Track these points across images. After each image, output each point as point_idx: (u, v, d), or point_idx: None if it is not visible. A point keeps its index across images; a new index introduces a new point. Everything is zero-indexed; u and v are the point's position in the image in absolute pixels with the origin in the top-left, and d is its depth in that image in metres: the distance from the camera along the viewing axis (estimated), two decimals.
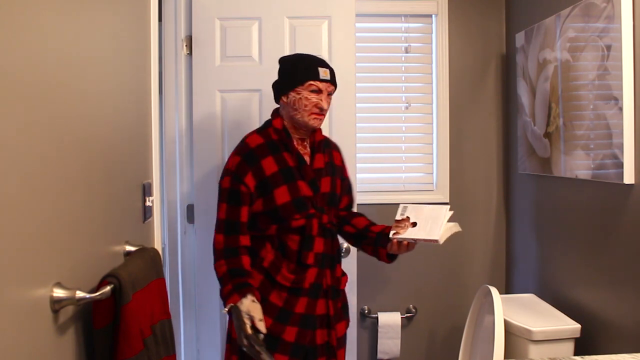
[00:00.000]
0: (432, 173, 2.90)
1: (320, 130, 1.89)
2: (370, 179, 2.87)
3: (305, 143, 1.86)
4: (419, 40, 2.87)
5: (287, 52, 2.39)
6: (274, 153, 1.77)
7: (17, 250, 0.78)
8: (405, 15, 2.86)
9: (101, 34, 1.19)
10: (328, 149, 1.92)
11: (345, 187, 1.95)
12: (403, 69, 2.87)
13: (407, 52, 2.86)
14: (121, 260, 1.34)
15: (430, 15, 2.86)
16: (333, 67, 2.35)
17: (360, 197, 2.80)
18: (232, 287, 1.65)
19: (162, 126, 2.44)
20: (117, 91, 1.32)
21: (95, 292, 1.01)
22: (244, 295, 1.62)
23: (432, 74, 2.88)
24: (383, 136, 2.87)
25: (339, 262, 1.91)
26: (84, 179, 1.07)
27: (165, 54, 2.44)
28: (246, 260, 1.73)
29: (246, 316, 1.60)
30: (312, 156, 1.83)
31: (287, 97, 1.77)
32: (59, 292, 0.92)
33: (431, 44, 2.87)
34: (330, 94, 1.81)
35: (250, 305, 1.61)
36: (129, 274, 1.14)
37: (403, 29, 2.87)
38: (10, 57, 0.76)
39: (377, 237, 1.85)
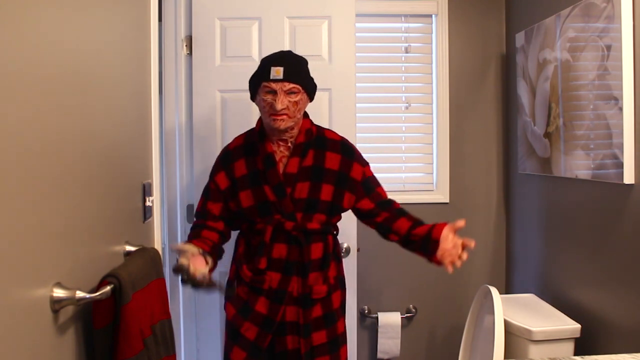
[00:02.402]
0: (432, 173, 2.90)
1: (307, 130, 1.80)
2: None
3: (289, 144, 1.79)
4: (419, 40, 2.87)
5: None
6: (247, 155, 1.81)
7: (17, 250, 0.78)
8: (405, 15, 2.86)
9: (101, 34, 1.19)
10: (321, 150, 1.80)
11: (357, 190, 1.82)
12: (403, 69, 2.87)
13: (407, 52, 2.86)
14: (121, 260, 1.34)
15: (430, 15, 2.86)
16: (333, 67, 2.35)
17: None
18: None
19: (162, 126, 2.44)
20: (117, 91, 1.32)
21: (95, 292, 1.01)
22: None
23: (432, 74, 2.87)
24: (383, 136, 2.87)
25: (319, 271, 1.79)
26: (84, 179, 1.07)
27: (165, 54, 2.44)
28: (206, 232, 1.79)
29: (181, 253, 1.59)
30: (288, 160, 1.77)
31: (256, 101, 1.79)
32: (59, 292, 0.92)
33: (431, 44, 2.87)
34: (292, 93, 1.71)
35: (184, 244, 1.63)
36: (129, 274, 1.14)
37: (403, 29, 2.87)
38: (10, 57, 0.76)
39: (422, 243, 1.74)
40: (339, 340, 1.84)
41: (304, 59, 1.80)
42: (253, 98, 1.80)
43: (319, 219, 1.79)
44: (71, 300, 0.93)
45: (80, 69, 1.05)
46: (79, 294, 0.95)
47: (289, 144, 1.79)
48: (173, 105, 2.47)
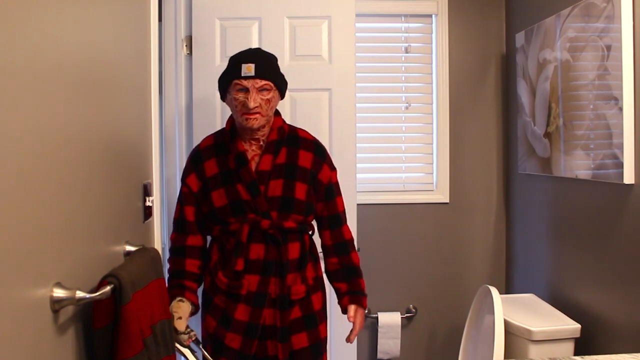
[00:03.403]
0: (432, 173, 2.90)
1: (279, 128, 1.77)
2: (370, 179, 2.87)
3: (261, 143, 1.75)
4: (419, 40, 2.88)
5: (287, 52, 2.39)
6: (218, 155, 1.77)
7: (17, 250, 0.78)
8: (405, 15, 2.86)
9: (101, 34, 1.19)
10: (294, 148, 1.77)
11: (319, 192, 1.79)
12: (403, 69, 2.87)
13: (407, 52, 2.87)
14: (121, 260, 1.34)
15: (430, 15, 2.86)
16: (333, 67, 2.35)
17: (360, 197, 2.80)
18: (168, 288, 1.73)
19: (162, 126, 2.44)
20: (117, 91, 1.32)
21: (95, 292, 1.01)
22: (174, 297, 1.71)
23: (432, 74, 2.88)
24: (383, 136, 2.87)
25: (297, 271, 1.75)
26: (84, 178, 1.07)
27: (165, 54, 2.44)
28: (189, 262, 1.77)
29: (174, 314, 1.66)
30: (260, 157, 1.74)
31: (226, 100, 1.75)
32: (59, 292, 0.91)
33: (431, 44, 2.87)
34: (264, 90, 1.67)
35: (174, 305, 1.68)
36: (129, 274, 1.14)
37: (403, 29, 2.87)
38: (10, 57, 0.76)
39: (340, 298, 1.83)
40: (322, 346, 1.78)
41: (274, 55, 1.76)
42: (223, 98, 1.77)
43: (296, 218, 1.74)
44: (71, 300, 0.93)
45: (79, 69, 1.05)
46: (79, 294, 0.94)
47: (261, 143, 1.75)
48: (173, 105, 2.47)
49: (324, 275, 1.90)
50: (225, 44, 2.39)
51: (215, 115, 2.41)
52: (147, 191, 1.63)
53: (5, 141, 0.74)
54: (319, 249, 2.15)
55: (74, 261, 1.02)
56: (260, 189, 1.70)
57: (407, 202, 2.84)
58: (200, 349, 1.71)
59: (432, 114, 2.88)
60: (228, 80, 1.70)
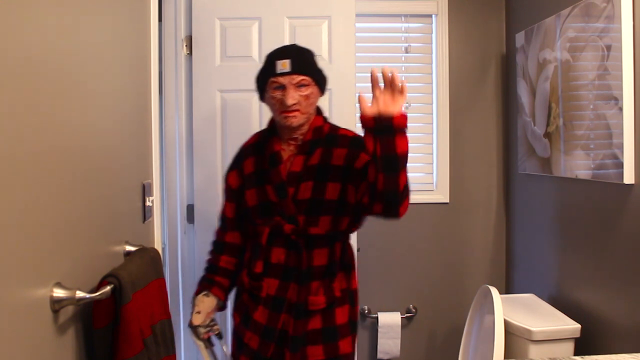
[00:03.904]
0: (432, 173, 2.90)
1: (316, 128, 1.69)
2: None
3: (299, 143, 1.69)
4: (419, 40, 2.88)
5: None
6: (256, 154, 1.74)
7: (17, 250, 0.78)
8: (405, 15, 2.86)
9: (101, 34, 1.19)
10: (329, 148, 1.67)
11: (354, 182, 1.64)
12: (403, 69, 2.87)
13: (407, 52, 2.87)
14: (121, 260, 1.34)
15: (430, 15, 2.86)
16: (333, 67, 2.35)
17: None
18: (200, 280, 1.79)
19: (162, 126, 2.44)
20: (117, 91, 1.32)
21: (95, 292, 1.01)
22: (201, 291, 1.74)
23: (432, 74, 2.88)
24: None
25: (321, 279, 1.64)
26: (84, 178, 1.07)
27: (165, 54, 2.44)
28: (224, 258, 1.79)
29: (194, 307, 1.71)
30: (293, 158, 1.68)
31: (264, 99, 1.70)
32: (59, 292, 0.92)
33: (431, 44, 2.87)
34: (302, 86, 1.60)
35: (198, 299, 1.73)
36: (129, 274, 1.14)
37: (403, 29, 2.87)
38: (10, 57, 0.76)
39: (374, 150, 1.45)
40: None
41: (310, 50, 1.69)
42: (262, 98, 1.71)
43: (325, 224, 1.64)
44: (71, 300, 0.93)
45: (80, 68, 1.05)
46: (79, 294, 0.95)
47: (299, 143, 1.68)
48: (173, 105, 2.47)
49: (356, 289, 1.76)
50: (225, 44, 2.39)
51: (215, 115, 2.41)
52: (147, 191, 1.62)
53: (5, 141, 0.74)
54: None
55: (74, 261, 1.02)
56: (288, 192, 1.63)
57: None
58: (219, 343, 1.75)
59: (432, 114, 2.88)
60: (264, 79, 1.65)
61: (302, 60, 1.62)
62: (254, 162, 1.73)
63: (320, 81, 1.67)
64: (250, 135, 2.39)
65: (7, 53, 0.75)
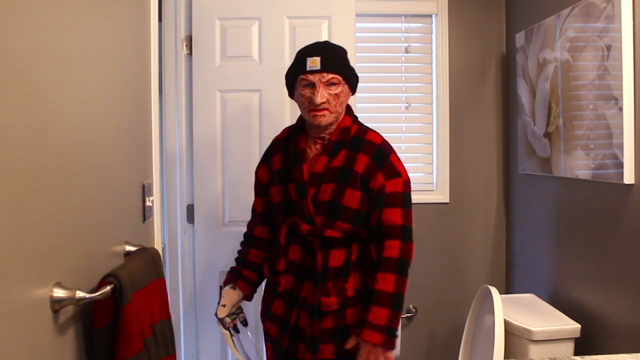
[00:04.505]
0: (432, 173, 2.90)
1: (342, 129, 1.65)
2: None
3: (326, 142, 1.66)
4: (419, 40, 2.88)
5: (287, 52, 2.39)
6: (284, 150, 1.72)
7: (17, 250, 0.78)
8: (405, 15, 2.86)
9: (101, 34, 1.19)
10: (354, 151, 1.63)
11: (370, 200, 1.61)
12: (403, 69, 2.87)
13: (407, 52, 2.86)
14: (121, 260, 1.34)
15: (430, 15, 2.86)
16: None
17: None
18: (229, 272, 1.82)
19: (162, 126, 2.44)
20: (117, 91, 1.32)
21: (95, 292, 1.01)
22: (228, 282, 1.78)
23: (432, 74, 2.88)
24: (383, 136, 2.87)
25: (334, 280, 1.61)
26: (84, 178, 1.07)
27: (165, 54, 2.44)
28: (253, 252, 1.81)
29: (220, 300, 1.76)
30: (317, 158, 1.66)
31: (294, 97, 1.67)
32: (59, 292, 0.92)
33: (431, 44, 2.87)
34: (332, 84, 1.58)
35: (225, 291, 1.76)
36: (129, 274, 1.14)
37: (403, 29, 2.87)
38: (10, 57, 0.76)
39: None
40: None
41: (342, 48, 1.65)
42: (291, 94, 1.69)
43: (342, 228, 1.59)
44: (71, 300, 0.93)
45: (79, 68, 1.05)
46: (79, 294, 0.95)
47: (326, 142, 1.66)
48: (173, 105, 2.47)
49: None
50: (225, 44, 2.39)
51: (215, 115, 2.41)
52: (147, 191, 1.62)
53: (4, 141, 0.74)
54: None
55: (74, 261, 1.02)
56: (308, 192, 1.60)
57: None
58: (246, 330, 1.85)
59: (432, 114, 2.88)
60: (294, 76, 1.63)
61: (332, 58, 1.59)
62: (282, 159, 1.72)
63: (351, 80, 1.64)
64: (250, 134, 2.40)
65: (6, 53, 0.75)
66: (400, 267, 1.57)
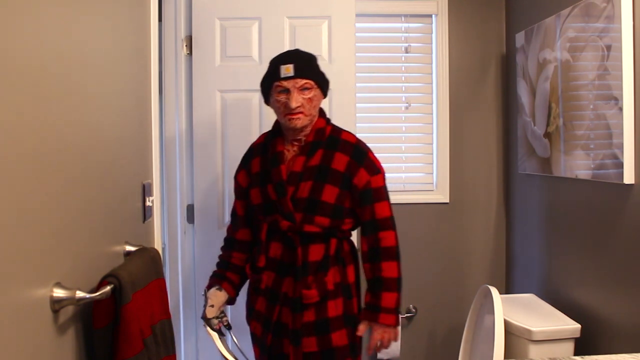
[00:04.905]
0: (432, 173, 2.90)
1: (318, 130, 1.76)
2: None
3: (302, 144, 1.77)
4: (419, 40, 2.87)
5: None
6: (263, 154, 1.82)
7: (17, 250, 0.78)
8: (405, 15, 2.86)
9: (101, 33, 1.19)
10: (331, 150, 1.74)
11: (355, 197, 1.73)
12: (403, 69, 2.87)
13: (407, 52, 2.86)
14: (121, 260, 1.34)
15: (430, 15, 2.86)
16: (333, 67, 2.35)
17: None
18: (212, 275, 1.88)
19: (162, 126, 2.44)
20: (117, 91, 1.32)
21: (95, 292, 1.01)
22: (212, 285, 1.84)
23: (432, 74, 2.88)
24: (383, 136, 2.87)
25: (314, 274, 1.70)
26: (84, 178, 1.07)
27: (165, 54, 2.44)
28: (236, 254, 1.88)
29: (208, 301, 1.81)
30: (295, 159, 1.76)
31: (270, 103, 1.79)
32: (59, 292, 0.91)
33: (431, 44, 2.87)
34: (305, 89, 1.68)
35: (211, 293, 1.82)
36: (129, 274, 1.14)
37: (403, 29, 2.87)
38: (11, 57, 0.76)
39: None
40: (336, 354, 1.72)
41: (312, 55, 1.77)
42: (267, 101, 1.79)
43: (321, 223, 1.70)
44: (71, 300, 0.93)
45: (79, 68, 1.05)
46: (79, 294, 0.94)
47: (302, 144, 1.76)
48: (173, 105, 2.47)
49: (354, 282, 1.82)
50: (225, 44, 2.40)
51: (215, 115, 2.41)
52: (147, 191, 1.62)
53: (4, 141, 0.74)
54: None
55: (74, 261, 1.02)
56: (286, 190, 1.71)
57: (407, 202, 2.84)
58: (230, 333, 1.87)
59: (432, 114, 2.88)
60: (269, 83, 1.73)
61: (304, 64, 1.70)
62: (260, 162, 1.82)
63: (322, 84, 1.74)
64: (250, 134, 2.40)
65: (6, 53, 0.75)
66: (398, 253, 1.76)
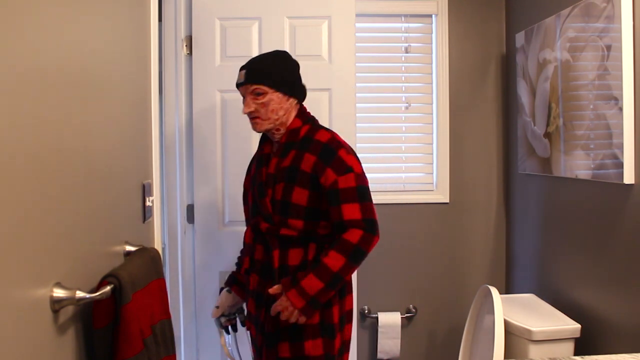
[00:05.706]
0: (432, 173, 2.90)
1: (291, 131, 1.71)
2: (370, 179, 2.87)
3: (278, 145, 1.76)
4: (419, 40, 2.87)
5: None
6: (258, 157, 1.86)
7: (17, 250, 0.78)
8: (405, 15, 2.86)
9: (101, 34, 1.19)
10: (302, 151, 1.68)
11: (323, 197, 1.66)
12: (403, 69, 2.87)
13: (407, 52, 2.86)
14: (121, 260, 1.34)
15: (430, 15, 2.86)
16: (333, 67, 2.35)
17: None
18: (229, 274, 1.96)
19: (162, 126, 2.44)
20: (117, 91, 1.32)
21: (95, 292, 1.01)
22: (226, 285, 1.92)
23: (432, 74, 2.88)
24: (383, 136, 2.87)
25: (284, 277, 1.67)
26: (84, 179, 1.07)
27: (165, 54, 2.44)
28: (245, 258, 1.89)
29: (216, 302, 1.91)
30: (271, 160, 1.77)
31: None
32: (59, 292, 0.91)
33: (431, 44, 2.87)
34: (258, 94, 1.66)
35: (222, 294, 1.90)
36: (129, 274, 1.14)
37: (403, 29, 2.87)
38: (11, 58, 0.76)
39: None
40: None
41: (277, 57, 1.70)
42: None
43: (295, 225, 1.66)
44: (71, 300, 0.93)
45: (79, 68, 1.05)
46: (79, 294, 0.94)
47: (278, 144, 1.78)
48: (173, 105, 2.47)
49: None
50: (225, 44, 2.39)
51: (215, 115, 2.41)
52: (147, 191, 1.62)
53: (4, 141, 0.74)
54: None
55: (74, 261, 1.02)
56: (266, 192, 1.72)
57: (407, 202, 2.84)
58: (233, 334, 1.94)
59: (432, 114, 2.88)
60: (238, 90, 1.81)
61: (257, 69, 1.67)
62: (255, 164, 1.85)
63: (280, 86, 1.67)
64: (250, 134, 2.40)
65: (5, 53, 0.75)
66: (355, 254, 1.61)
